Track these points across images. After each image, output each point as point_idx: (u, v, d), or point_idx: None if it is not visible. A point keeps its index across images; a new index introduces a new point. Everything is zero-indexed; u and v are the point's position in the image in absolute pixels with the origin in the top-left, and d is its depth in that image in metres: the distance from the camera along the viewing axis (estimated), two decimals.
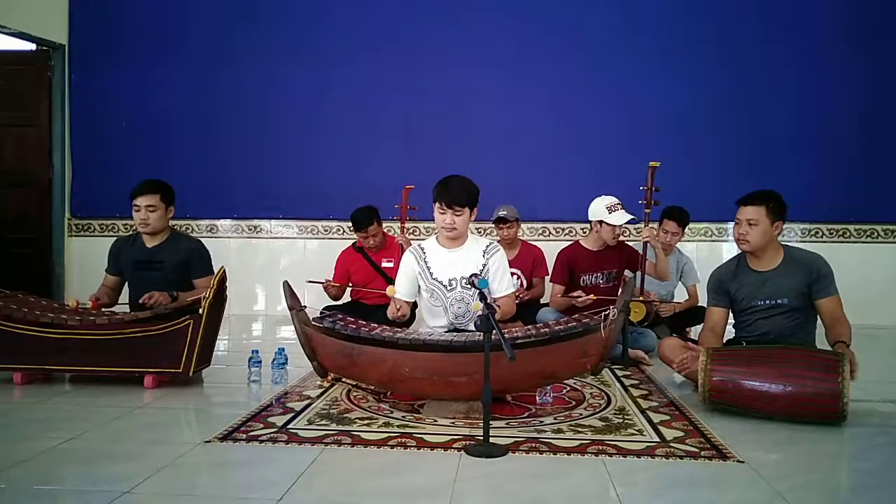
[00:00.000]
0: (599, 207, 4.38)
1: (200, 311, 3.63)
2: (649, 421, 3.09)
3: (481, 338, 2.70)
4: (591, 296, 4.27)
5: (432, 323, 3.58)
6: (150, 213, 3.91)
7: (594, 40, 6.38)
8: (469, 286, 3.26)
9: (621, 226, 4.37)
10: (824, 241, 6.20)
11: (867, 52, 6.20)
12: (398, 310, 3.38)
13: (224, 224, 6.70)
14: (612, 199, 4.37)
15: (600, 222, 4.38)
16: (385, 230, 5.22)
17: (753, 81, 6.27)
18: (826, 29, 6.23)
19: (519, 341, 2.97)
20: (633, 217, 4.36)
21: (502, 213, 5.10)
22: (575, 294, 4.32)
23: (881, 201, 6.22)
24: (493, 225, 5.23)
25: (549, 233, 6.39)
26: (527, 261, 5.17)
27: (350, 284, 5.12)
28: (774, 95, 6.26)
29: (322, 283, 4.96)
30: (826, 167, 6.20)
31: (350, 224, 5.14)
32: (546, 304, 4.77)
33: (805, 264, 3.39)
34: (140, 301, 3.69)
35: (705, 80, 6.30)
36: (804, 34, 6.24)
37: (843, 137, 6.22)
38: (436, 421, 3.05)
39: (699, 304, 5.02)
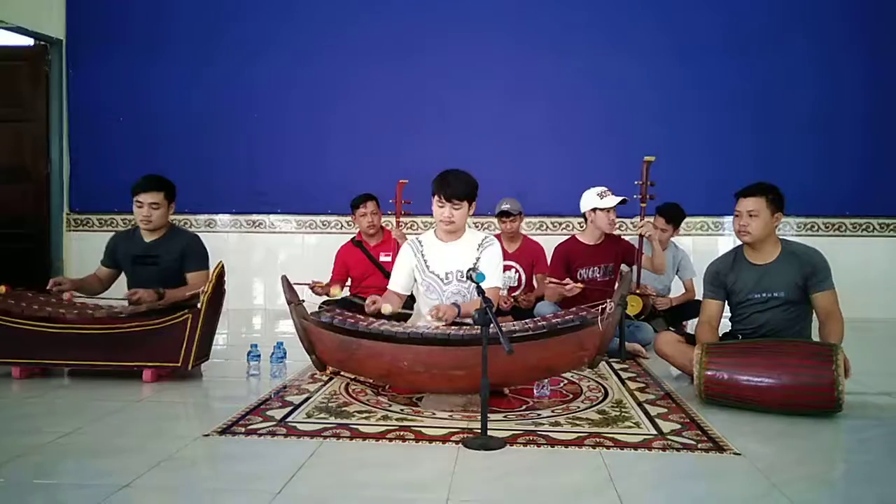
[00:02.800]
0: (590, 196, 4.44)
1: (199, 305, 3.64)
2: (646, 413, 3.10)
3: (479, 331, 2.71)
4: (579, 284, 4.29)
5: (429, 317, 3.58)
6: (154, 211, 3.91)
7: (592, 35, 6.38)
8: (466, 279, 3.27)
9: (614, 208, 4.41)
10: (820, 235, 6.22)
11: (866, 48, 6.21)
12: (373, 303, 3.38)
13: (222, 219, 6.71)
14: (600, 188, 4.42)
15: (594, 210, 4.41)
16: (383, 225, 5.23)
17: (751, 76, 6.27)
18: (825, 24, 6.23)
19: (517, 335, 2.98)
20: (623, 198, 4.40)
21: (505, 206, 5.03)
22: (563, 282, 4.34)
23: (877, 195, 6.24)
24: (495, 218, 5.20)
25: (547, 227, 6.40)
26: (527, 256, 5.14)
27: (349, 279, 5.12)
28: (772, 90, 6.26)
29: (308, 284, 4.83)
30: (822, 161, 6.21)
31: (348, 219, 5.14)
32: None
33: (802, 258, 3.40)
34: (123, 295, 3.68)
35: (703, 76, 6.30)
36: (803, 29, 6.24)
37: (839, 132, 6.23)
38: (434, 414, 3.06)
39: (696, 298, 5.04)
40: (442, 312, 3.26)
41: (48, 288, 3.90)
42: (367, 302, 3.41)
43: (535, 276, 5.14)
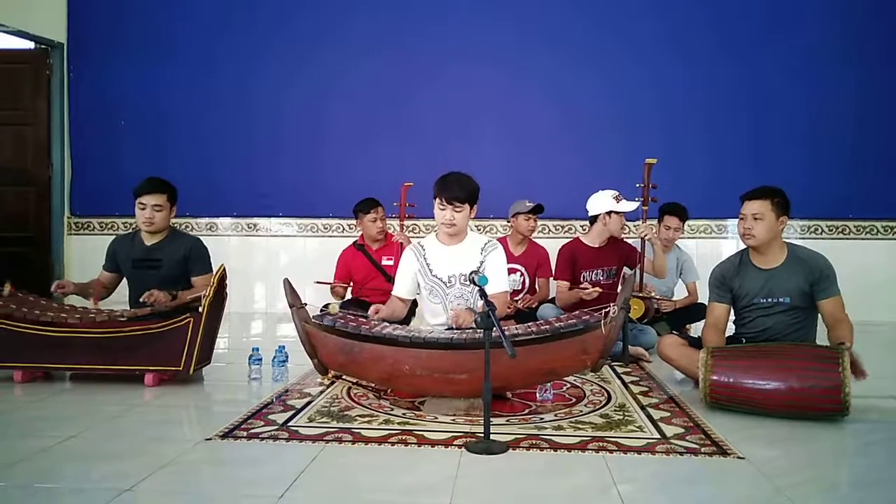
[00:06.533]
0: (605, 199, 4.43)
1: (201, 309, 3.63)
2: (649, 417, 3.09)
3: (482, 335, 2.70)
4: (598, 288, 4.29)
5: (432, 321, 3.58)
6: (156, 213, 3.91)
7: (593, 37, 6.38)
8: (469, 283, 3.26)
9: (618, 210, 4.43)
10: (823, 238, 6.21)
11: (867, 51, 6.20)
12: (377, 312, 3.39)
13: (224, 222, 6.70)
14: (613, 191, 4.44)
15: (609, 214, 4.41)
16: (386, 228, 5.22)
17: (753, 78, 6.27)
18: (826, 27, 6.22)
19: (519, 338, 2.97)
20: (638, 202, 4.43)
21: (531, 203, 4.97)
22: (582, 286, 4.34)
23: (880, 198, 6.22)
24: (519, 215, 5.01)
25: (549, 230, 6.39)
26: (532, 259, 5.12)
27: (351, 283, 5.13)
28: (774, 92, 6.26)
29: (331, 284, 4.96)
30: (825, 164, 6.20)
31: (350, 222, 5.13)
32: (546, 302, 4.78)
33: (809, 263, 3.39)
34: (141, 299, 3.69)
35: (705, 77, 6.30)
36: (804, 32, 6.23)
37: (842, 134, 6.22)
38: (436, 418, 3.05)
39: (699, 301, 5.03)
40: (462, 319, 3.25)
41: (51, 291, 3.90)
42: (370, 312, 3.41)
43: (537, 280, 5.13)
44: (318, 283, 4.95)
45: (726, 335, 3.61)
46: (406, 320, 4.06)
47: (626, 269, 4.64)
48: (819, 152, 6.22)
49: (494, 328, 2.65)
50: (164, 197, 3.94)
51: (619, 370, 4.05)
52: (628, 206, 4.41)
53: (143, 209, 3.90)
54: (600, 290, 4.31)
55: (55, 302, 3.98)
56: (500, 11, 6.42)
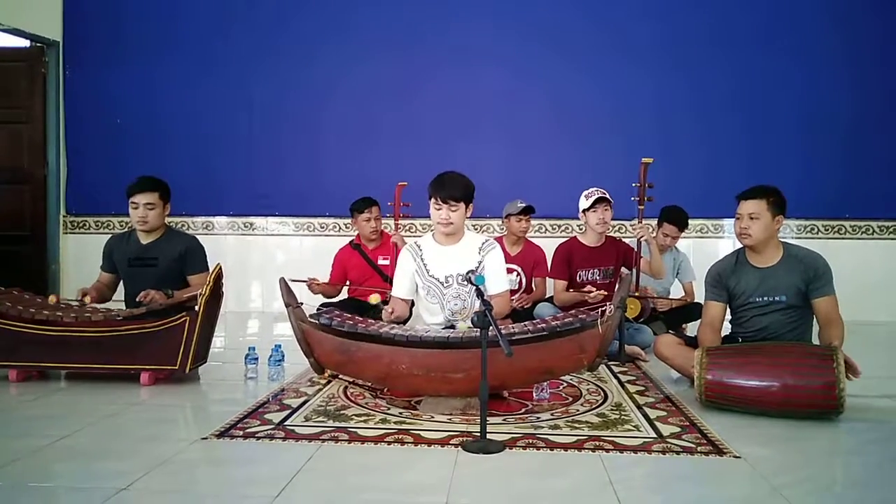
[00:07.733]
0: (581, 199, 4.47)
1: (197, 308, 3.63)
2: (646, 417, 3.09)
3: (478, 334, 2.70)
4: (602, 291, 4.29)
5: (429, 320, 3.58)
6: (149, 211, 3.90)
7: (591, 39, 6.37)
8: (466, 282, 3.26)
9: (607, 208, 4.42)
10: (819, 237, 6.22)
11: (864, 51, 6.21)
12: (391, 312, 3.40)
13: (220, 221, 6.69)
14: (589, 189, 4.49)
15: (584, 212, 4.46)
16: (383, 228, 5.21)
17: (749, 78, 6.27)
18: (823, 26, 6.23)
19: (516, 337, 2.97)
20: (600, 195, 4.41)
21: (523, 203, 5.01)
22: (585, 290, 4.34)
23: (876, 197, 6.23)
24: (503, 220, 5.08)
25: (546, 229, 6.39)
26: (529, 259, 5.13)
27: (348, 283, 5.11)
28: (770, 92, 6.27)
29: (305, 281, 4.86)
30: (821, 163, 6.21)
31: (346, 222, 5.11)
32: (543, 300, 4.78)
33: (805, 262, 3.39)
34: (136, 299, 3.68)
35: (701, 77, 6.30)
36: (801, 31, 6.24)
37: (837, 134, 6.23)
38: (433, 417, 3.05)
39: (695, 301, 5.03)
40: None
41: (78, 299, 3.88)
42: (383, 313, 3.43)
43: (533, 280, 5.14)
44: (291, 280, 4.76)
45: (723, 334, 3.62)
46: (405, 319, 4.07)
47: (623, 270, 4.63)
48: (815, 152, 6.22)
49: (491, 327, 2.65)
50: (156, 195, 3.93)
51: (616, 369, 4.05)
52: (589, 201, 4.41)
53: (136, 208, 3.90)
54: (605, 292, 4.30)
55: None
56: (500, 13, 6.41)
